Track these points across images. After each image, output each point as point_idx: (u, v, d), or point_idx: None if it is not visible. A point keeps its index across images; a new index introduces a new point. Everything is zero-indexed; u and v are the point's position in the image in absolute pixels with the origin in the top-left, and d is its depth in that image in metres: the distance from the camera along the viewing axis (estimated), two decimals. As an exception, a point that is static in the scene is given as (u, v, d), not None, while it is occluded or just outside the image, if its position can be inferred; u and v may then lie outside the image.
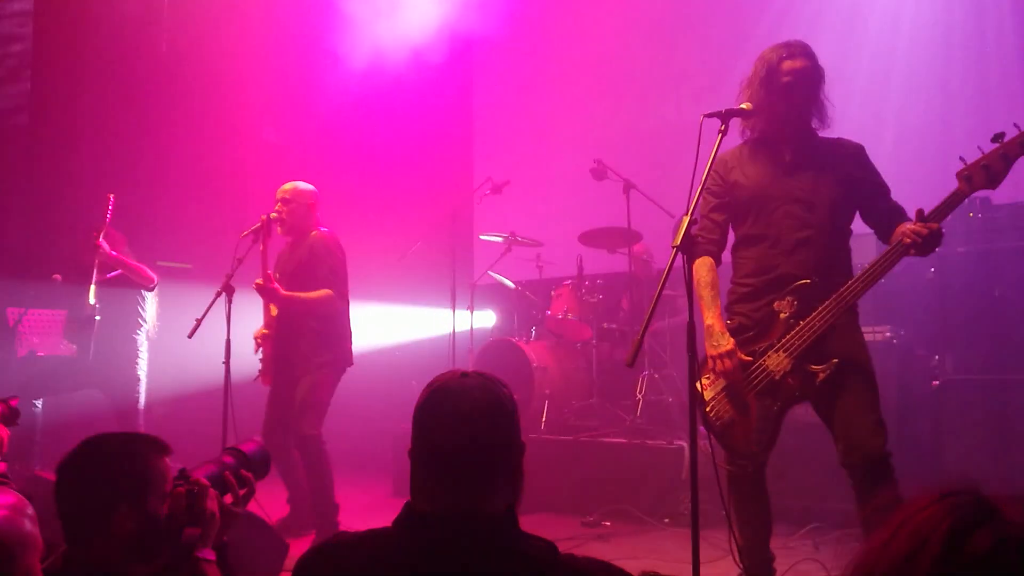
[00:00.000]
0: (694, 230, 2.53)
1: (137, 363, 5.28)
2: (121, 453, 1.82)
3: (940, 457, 4.23)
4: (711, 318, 2.90)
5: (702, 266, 2.96)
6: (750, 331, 2.88)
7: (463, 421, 1.43)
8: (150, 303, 5.39)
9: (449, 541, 1.39)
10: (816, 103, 2.87)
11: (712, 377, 2.93)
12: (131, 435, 1.91)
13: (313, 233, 4.45)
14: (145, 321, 5.39)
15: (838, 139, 2.96)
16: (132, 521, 1.78)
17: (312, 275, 4.34)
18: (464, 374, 1.50)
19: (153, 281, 5.19)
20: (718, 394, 2.91)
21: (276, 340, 4.42)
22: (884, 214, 2.87)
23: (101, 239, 4.93)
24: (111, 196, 5.06)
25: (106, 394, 5.21)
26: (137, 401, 5.24)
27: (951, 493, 0.81)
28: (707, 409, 2.92)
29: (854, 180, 2.87)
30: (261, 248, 4.27)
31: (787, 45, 2.87)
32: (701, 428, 2.76)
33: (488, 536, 1.40)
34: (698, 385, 2.88)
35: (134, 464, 1.81)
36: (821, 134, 2.93)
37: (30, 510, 1.66)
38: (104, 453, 1.82)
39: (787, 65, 2.83)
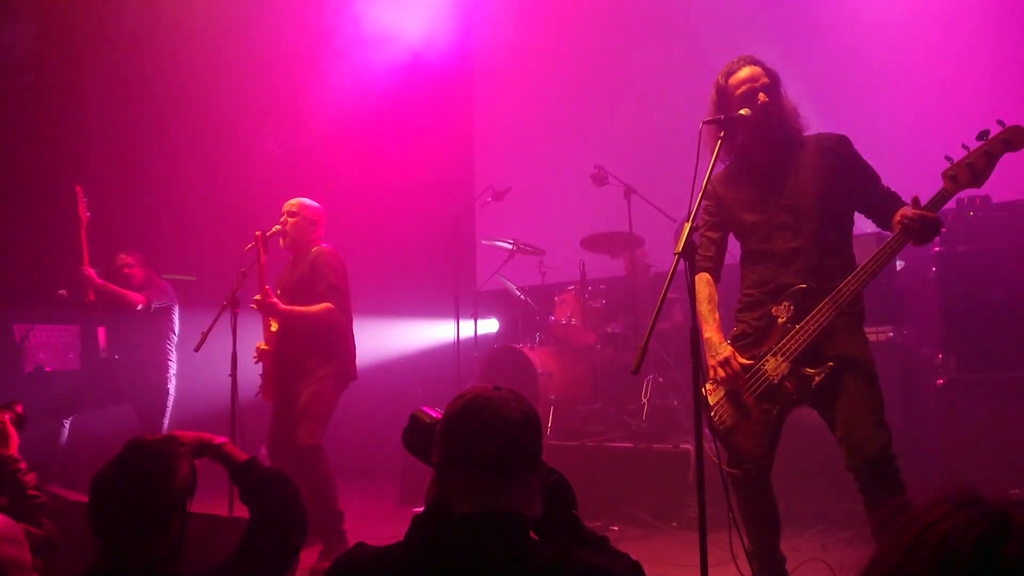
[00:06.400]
0: (695, 236, 2.53)
1: (167, 375, 5.31)
2: (170, 454, 1.78)
3: (945, 457, 4.23)
4: (708, 331, 2.93)
5: (699, 282, 3.00)
6: (750, 337, 2.91)
7: (507, 427, 1.54)
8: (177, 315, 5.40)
9: (480, 542, 1.46)
10: (780, 106, 2.85)
11: (715, 383, 2.95)
12: (166, 437, 1.87)
13: (314, 249, 4.46)
14: (175, 333, 5.41)
15: (818, 135, 2.93)
16: (183, 521, 1.77)
17: (312, 290, 4.35)
18: (497, 388, 1.61)
19: (135, 306, 5.15)
20: (721, 399, 2.94)
21: (278, 355, 4.43)
22: (879, 202, 2.82)
23: (88, 268, 4.88)
24: (78, 187, 4.85)
25: (134, 406, 5.22)
26: (164, 413, 5.26)
27: (968, 503, 0.81)
28: (711, 413, 2.94)
29: (839, 173, 2.83)
30: (259, 264, 4.26)
31: (733, 62, 2.90)
32: (707, 431, 2.77)
33: (519, 537, 1.49)
34: (703, 390, 2.90)
35: (182, 466, 1.78)
36: (804, 134, 2.91)
37: (14, 534, 1.61)
38: (158, 455, 1.77)
39: (734, 79, 2.86)
